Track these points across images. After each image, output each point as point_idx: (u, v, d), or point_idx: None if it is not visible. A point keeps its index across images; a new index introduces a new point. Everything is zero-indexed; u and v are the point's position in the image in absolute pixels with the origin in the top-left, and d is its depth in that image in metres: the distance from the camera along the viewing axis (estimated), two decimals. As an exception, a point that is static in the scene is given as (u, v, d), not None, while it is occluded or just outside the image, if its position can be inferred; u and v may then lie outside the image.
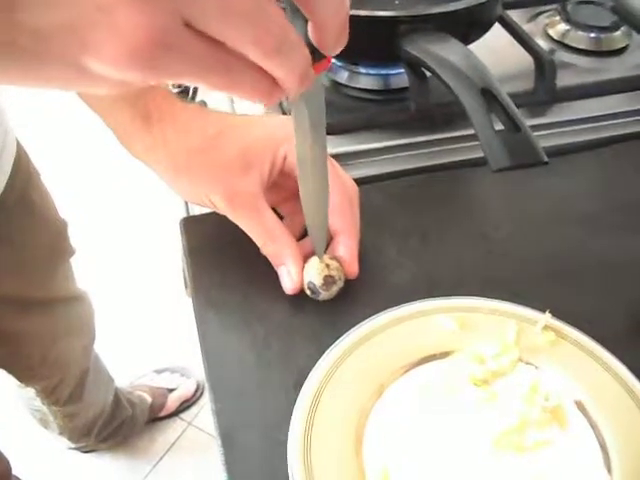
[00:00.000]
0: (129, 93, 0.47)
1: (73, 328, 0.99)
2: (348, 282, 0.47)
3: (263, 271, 0.48)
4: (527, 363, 0.43)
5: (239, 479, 0.38)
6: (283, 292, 0.47)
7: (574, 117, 0.63)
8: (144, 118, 0.47)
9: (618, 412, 0.40)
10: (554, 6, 0.78)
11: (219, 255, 0.51)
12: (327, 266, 0.46)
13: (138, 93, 0.47)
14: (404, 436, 0.39)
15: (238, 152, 0.47)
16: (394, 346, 0.43)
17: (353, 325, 0.44)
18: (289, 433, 0.38)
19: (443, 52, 0.50)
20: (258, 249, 0.49)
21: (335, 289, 0.46)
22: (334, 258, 0.47)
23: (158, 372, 1.60)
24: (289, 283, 0.47)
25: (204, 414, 1.57)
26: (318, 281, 0.46)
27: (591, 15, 0.74)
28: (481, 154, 0.58)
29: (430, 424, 0.40)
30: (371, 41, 0.55)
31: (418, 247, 0.52)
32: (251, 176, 0.47)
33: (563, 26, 0.74)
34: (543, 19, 0.78)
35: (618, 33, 0.72)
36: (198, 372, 1.61)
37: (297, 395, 0.41)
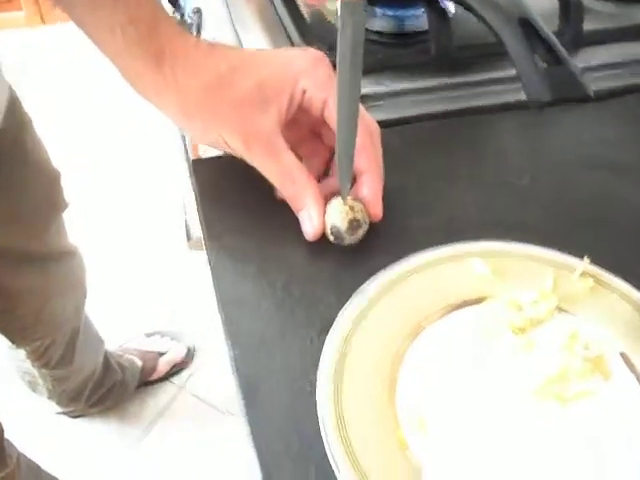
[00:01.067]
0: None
1: (66, 285, 0.96)
2: (369, 227, 0.44)
3: (279, 215, 0.45)
4: (565, 311, 0.41)
5: (261, 431, 0.36)
6: (302, 237, 0.45)
7: (599, 62, 0.60)
8: (156, 58, 0.44)
9: (661, 362, 0.38)
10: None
11: (232, 199, 0.48)
12: (351, 208, 0.43)
13: (152, 34, 0.44)
14: (439, 383, 0.37)
15: (253, 87, 0.44)
16: (426, 291, 0.41)
17: (377, 272, 0.42)
18: (317, 382, 0.36)
19: (474, -17, 0.47)
20: (274, 192, 0.46)
21: (360, 233, 0.43)
22: (357, 200, 0.44)
23: (148, 335, 1.57)
24: (310, 228, 0.44)
25: (195, 378, 1.55)
26: (343, 225, 0.43)
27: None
28: (505, 99, 0.55)
29: (466, 371, 0.37)
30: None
31: (441, 192, 0.49)
32: (268, 113, 0.44)
33: (585, -30, 0.70)
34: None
35: (643, -22, 0.69)
36: (188, 336, 1.59)
37: (322, 344, 0.38)
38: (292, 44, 0.59)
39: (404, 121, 0.54)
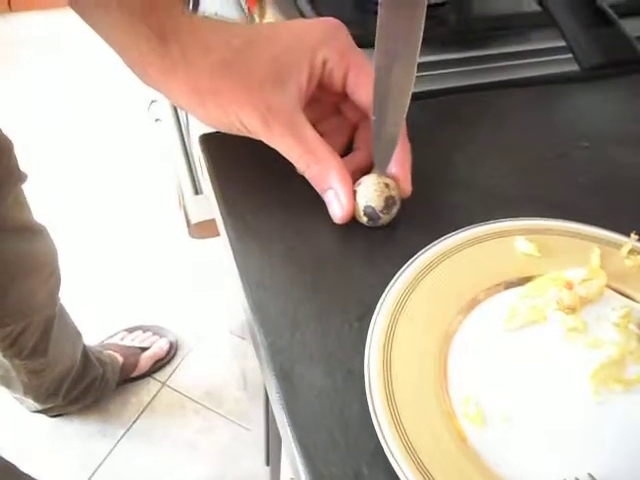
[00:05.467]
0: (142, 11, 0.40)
1: (31, 265, 0.94)
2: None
3: (303, 191, 0.42)
4: (614, 290, 0.38)
5: (302, 423, 0.32)
6: (328, 217, 0.41)
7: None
8: (160, 37, 0.39)
9: None
10: None
11: (249, 174, 0.45)
12: (386, 185, 0.40)
13: (151, 7, 0.40)
14: (492, 367, 0.34)
15: (269, 62, 0.40)
16: (469, 272, 0.38)
17: (413, 251, 0.39)
18: (365, 369, 0.33)
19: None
20: (294, 169, 0.42)
21: (394, 211, 0.40)
22: (389, 176, 0.41)
23: (129, 331, 1.52)
24: (339, 210, 0.41)
25: (178, 374, 1.51)
26: (378, 204, 0.39)
27: None
28: (528, 73, 0.53)
29: (519, 355, 0.35)
30: None
31: (472, 168, 0.46)
32: (286, 88, 0.41)
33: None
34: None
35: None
36: (171, 330, 1.55)
37: (362, 329, 0.35)
38: (302, 15, 0.55)
39: (426, 95, 0.51)
